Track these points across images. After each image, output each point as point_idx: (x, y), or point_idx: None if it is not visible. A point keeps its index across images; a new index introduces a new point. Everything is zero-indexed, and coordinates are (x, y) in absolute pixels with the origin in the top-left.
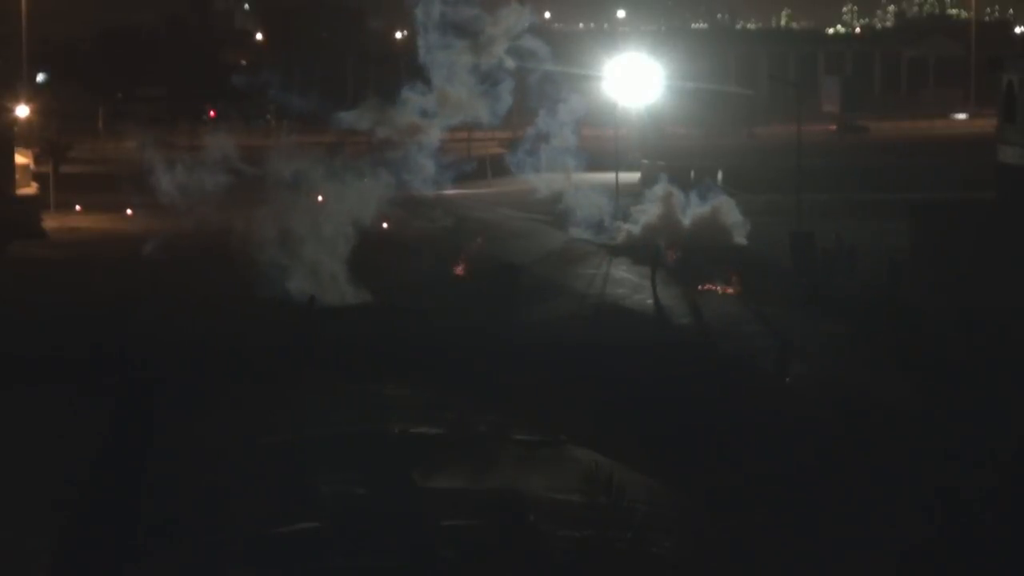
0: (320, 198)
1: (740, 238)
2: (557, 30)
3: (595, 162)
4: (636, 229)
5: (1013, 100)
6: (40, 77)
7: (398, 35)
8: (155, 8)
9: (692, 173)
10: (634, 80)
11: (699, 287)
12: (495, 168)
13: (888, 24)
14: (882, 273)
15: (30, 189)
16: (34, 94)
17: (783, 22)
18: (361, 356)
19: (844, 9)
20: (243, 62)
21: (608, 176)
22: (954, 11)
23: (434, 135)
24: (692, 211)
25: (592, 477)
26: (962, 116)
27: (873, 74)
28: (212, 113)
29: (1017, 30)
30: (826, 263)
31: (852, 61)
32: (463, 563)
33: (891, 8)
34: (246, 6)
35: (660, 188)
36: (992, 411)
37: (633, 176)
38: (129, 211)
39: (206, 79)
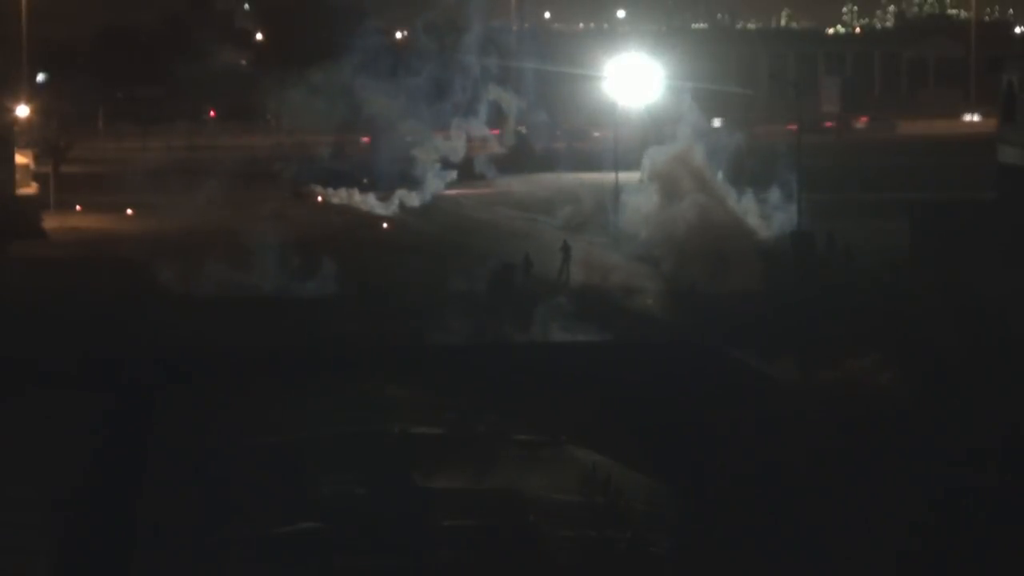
0: (319, 199)
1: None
2: (557, 30)
3: (595, 162)
4: (635, 227)
5: (1013, 100)
6: (40, 77)
7: (398, 35)
8: (155, 8)
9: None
10: (634, 80)
11: None
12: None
13: (888, 24)
14: (881, 273)
15: (30, 189)
16: (34, 94)
17: (783, 22)
18: (361, 356)
19: (844, 9)
20: (243, 62)
21: (608, 176)
22: (954, 11)
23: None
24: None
25: (590, 477)
26: (974, 118)
27: (873, 74)
28: (212, 113)
29: (1017, 30)
30: (822, 262)
31: (852, 61)
32: (463, 563)
33: (891, 8)
34: (246, 6)
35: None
36: (991, 411)
37: (633, 176)
38: (129, 211)
39: (206, 79)
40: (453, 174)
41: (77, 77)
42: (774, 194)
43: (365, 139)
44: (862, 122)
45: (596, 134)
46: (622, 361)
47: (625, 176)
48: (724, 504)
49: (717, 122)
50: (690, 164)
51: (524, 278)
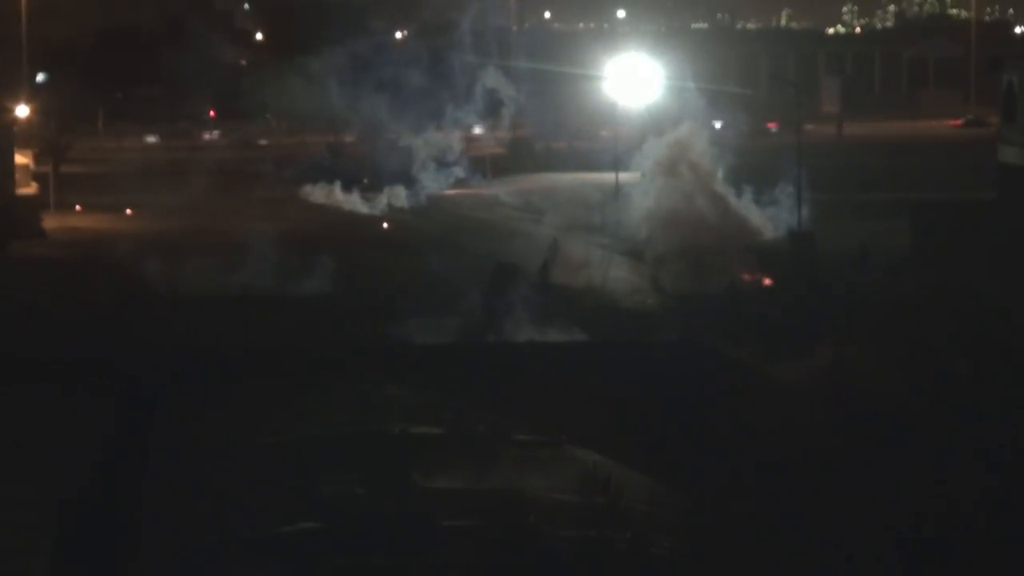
0: (316, 199)
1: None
2: (557, 30)
3: (595, 162)
4: (636, 225)
5: (1013, 100)
6: (40, 77)
7: (398, 35)
8: (155, 8)
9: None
10: (634, 80)
11: None
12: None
13: (888, 24)
14: (881, 272)
15: (30, 189)
16: (34, 94)
17: (783, 22)
18: (361, 356)
19: (844, 9)
20: (243, 62)
21: (608, 176)
22: (954, 11)
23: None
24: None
25: (591, 477)
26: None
27: (873, 74)
28: (212, 113)
29: (1017, 30)
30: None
31: (852, 61)
32: (463, 563)
33: (891, 8)
34: (246, 6)
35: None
36: (990, 411)
37: (634, 176)
38: (128, 211)
39: (206, 79)
40: (459, 172)
41: (77, 77)
42: (773, 194)
43: (354, 138)
44: None
45: (603, 133)
46: (622, 361)
47: (625, 176)
48: (724, 504)
49: (717, 124)
50: (691, 153)
51: (543, 283)
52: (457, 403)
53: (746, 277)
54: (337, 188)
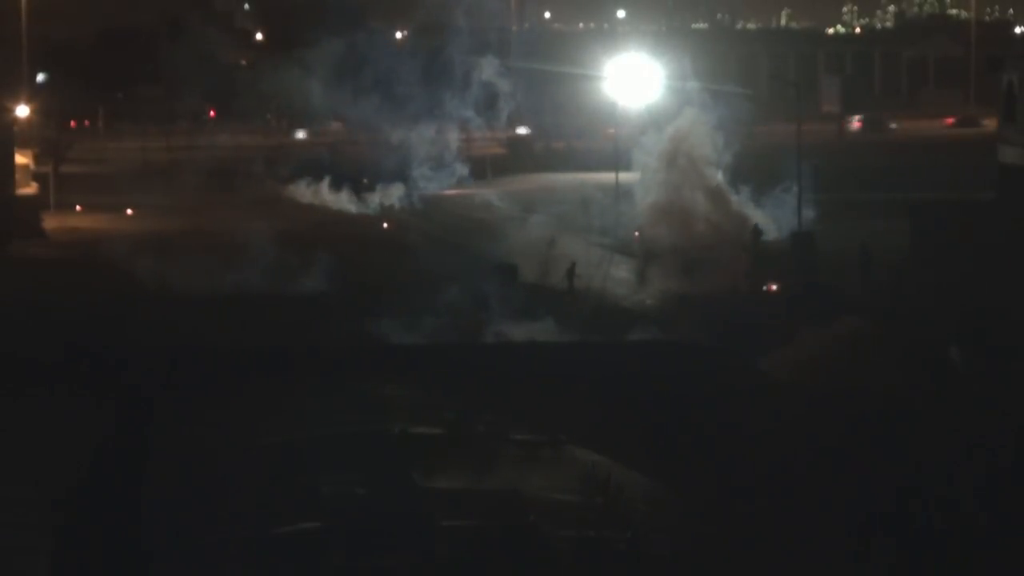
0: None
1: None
2: (557, 30)
3: (594, 162)
4: (635, 225)
5: (1013, 100)
6: (40, 77)
7: (398, 35)
8: (155, 8)
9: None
10: (634, 80)
11: None
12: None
13: (888, 24)
14: (881, 273)
15: (30, 189)
16: (34, 94)
17: (783, 22)
18: (361, 356)
19: (844, 9)
20: (243, 62)
21: (608, 176)
22: (954, 11)
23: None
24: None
25: (590, 477)
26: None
27: (873, 74)
28: (212, 113)
29: (1017, 30)
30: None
31: (852, 61)
32: (463, 563)
33: (891, 8)
34: (246, 6)
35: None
36: (990, 411)
37: (634, 176)
38: (129, 211)
39: (206, 79)
40: (459, 172)
41: (77, 77)
42: (773, 194)
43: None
44: None
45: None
46: (621, 361)
47: (626, 176)
48: (724, 504)
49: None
50: (692, 148)
51: (569, 286)
52: (457, 403)
53: (772, 288)
54: (338, 188)
